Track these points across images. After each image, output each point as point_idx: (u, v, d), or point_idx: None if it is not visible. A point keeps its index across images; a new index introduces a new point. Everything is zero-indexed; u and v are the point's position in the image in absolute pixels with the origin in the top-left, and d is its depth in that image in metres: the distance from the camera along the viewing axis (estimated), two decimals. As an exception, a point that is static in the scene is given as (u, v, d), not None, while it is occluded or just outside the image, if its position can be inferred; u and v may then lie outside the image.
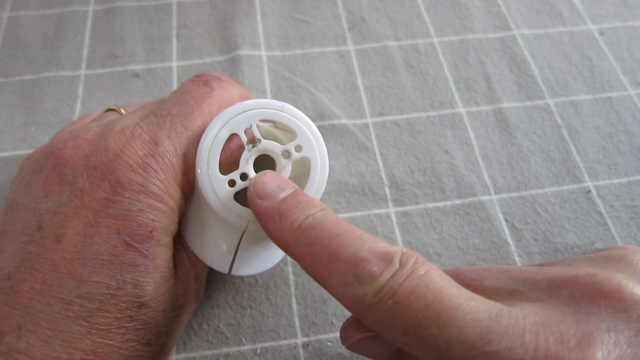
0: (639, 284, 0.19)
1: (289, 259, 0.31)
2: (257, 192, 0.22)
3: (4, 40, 0.40)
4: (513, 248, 0.32)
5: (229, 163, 0.24)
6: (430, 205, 0.33)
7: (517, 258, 0.31)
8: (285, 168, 0.24)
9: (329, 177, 0.33)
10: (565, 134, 0.36)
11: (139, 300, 0.22)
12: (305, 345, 0.28)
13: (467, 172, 0.34)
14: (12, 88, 0.38)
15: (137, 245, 0.22)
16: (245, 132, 0.24)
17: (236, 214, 0.23)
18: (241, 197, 0.23)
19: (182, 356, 0.28)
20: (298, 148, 0.24)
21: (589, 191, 0.34)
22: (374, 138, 0.36)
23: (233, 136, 0.24)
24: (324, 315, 0.29)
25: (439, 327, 0.17)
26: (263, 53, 0.40)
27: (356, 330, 0.21)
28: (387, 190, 0.34)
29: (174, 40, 0.40)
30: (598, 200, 0.34)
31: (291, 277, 0.30)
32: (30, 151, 0.34)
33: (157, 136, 0.24)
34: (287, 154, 0.24)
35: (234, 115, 0.24)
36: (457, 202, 0.33)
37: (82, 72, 0.39)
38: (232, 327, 0.28)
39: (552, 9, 0.44)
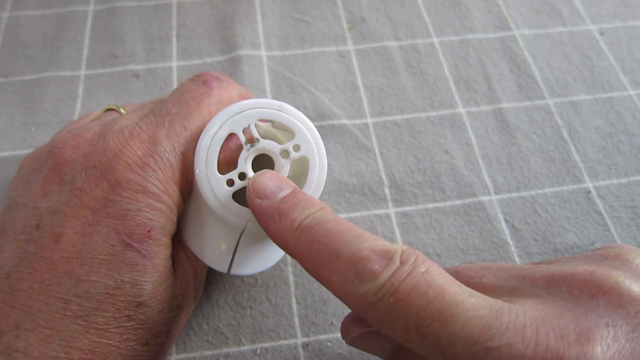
0: (635, 281, 0.19)
1: (288, 258, 0.31)
2: (257, 192, 0.22)
3: (4, 40, 0.40)
4: (513, 248, 0.32)
5: (227, 162, 0.24)
6: (430, 205, 0.33)
7: (517, 258, 0.31)
8: (284, 168, 0.24)
9: (328, 177, 0.33)
10: (565, 134, 0.36)
11: (137, 299, 0.22)
12: (305, 346, 0.28)
13: (467, 172, 0.34)
14: (12, 88, 0.38)
15: (135, 244, 0.22)
16: (244, 131, 0.24)
17: (235, 214, 0.23)
18: (240, 196, 0.23)
19: (182, 356, 0.28)
20: (296, 147, 0.24)
21: (589, 191, 0.34)
22: (373, 138, 0.36)
23: (231, 136, 0.24)
24: (323, 315, 0.29)
25: (441, 323, 0.17)
26: (263, 53, 0.40)
27: (357, 326, 0.22)
28: (387, 191, 0.34)
29: (174, 40, 0.40)
30: (598, 201, 0.34)
31: (291, 277, 0.30)
32: (30, 151, 0.34)
33: (156, 136, 0.24)
34: (285, 153, 0.24)
35: (232, 114, 0.24)
36: (457, 202, 0.33)
37: (82, 72, 0.39)
38: (232, 327, 0.28)
39: (552, 9, 0.44)
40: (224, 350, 0.28)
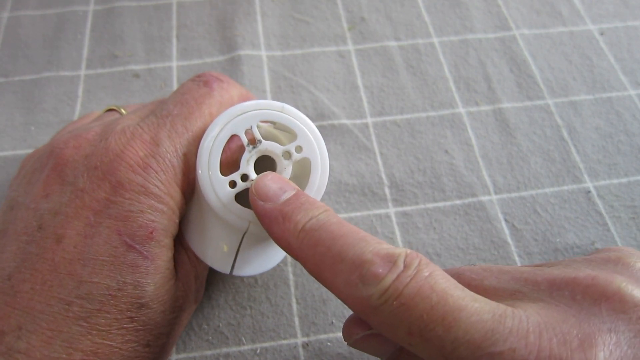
0: (638, 287, 0.19)
1: (289, 259, 0.31)
2: (259, 194, 0.22)
3: (4, 40, 0.40)
4: (513, 248, 0.32)
5: (229, 164, 0.24)
6: (430, 205, 0.33)
7: (517, 258, 0.31)
8: (286, 169, 0.24)
9: (328, 177, 0.33)
10: (565, 134, 0.36)
11: (139, 301, 0.22)
12: (305, 345, 0.28)
13: (467, 172, 0.34)
14: (12, 88, 0.38)
15: (137, 246, 0.22)
16: (246, 133, 0.24)
17: (237, 215, 0.23)
18: (242, 198, 0.23)
19: (182, 356, 0.28)
20: (298, 149, 0.24)
21: (589, 191, 0.34)
22: (373, 138, 0.36)
23: (233, 137, 0.24)
24: (323, 315, 0.29)
25: (444, 328, 0.17)
26: (263, 53, 0.40)
27: (359, 328, 0.22)
28: (387, 190, 0.34)
29: (174, 40, 0.40)
30: (598, 201, 0.34)
31: (291, 277, 0.30)
32: (30, 151, 0.34)
33: (158, 137, 0.24)
34: (287, 154, 0.24)
35: (234, 116, 0.24)
36: (457, 202, 0.33)
37: (82, 72, 0.39)
38: (232, 327, 0.28)
39: (552, 9, 0.44)
40: (224, 350, 0.28)
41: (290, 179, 0.24)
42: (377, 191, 0.33)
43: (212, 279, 0.30)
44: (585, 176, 0.35)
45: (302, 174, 0.25)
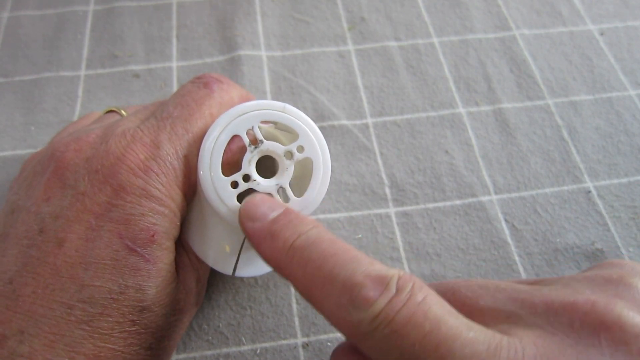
0: (639, 312, 0.18)
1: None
2: (248, 214, 0.21)
3: (4, 40, 0.40)
4: (513, 248, 0.32)
5: (231, 165, 0.24)
6: (430, 205, 0.33)
7: (517, 258, 0.31)
8: (288, 169, 0.24)
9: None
10: (565, 134, 0.37)
11: (141, 304, 0.22)
12: (305, 346, 0.28)
13: (467, 173, 0.34)
14: (12, 88, 0.38)
15: (139, 249, 0.22)
16: (247, 133, 0.24)
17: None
18: (244, 198, 0.23)
19: (183, 356, 0.28)
20: (300, 149, 0.24)
21: (589, 191, 0.34)
22: (374, 138, 0.36)
23: (235, 138, 0.24)
24: (324, 315, 0.29)
25: (437, 359, 0.17)
26: (263, 53, 0.40)
27: (350, 355, 0.21)
28: (387, 191, 0.34)
29: (174, 40, 0.40)
30: (598, 201, 0.34)
31: (292, 277, 0.30)
32: (30, 151, 0.34)
33: (158, 139, 0.24)
34: (289, 154, 0.24)
35: (235, 116, 0.24)
36: (457, 202, 0.33)
37: (82, 72, 0.39)
38: (232, 328, 0.28)
39: (552, 9, 0.44)
40: (224, 350, 0.28)
41: (292, 179, 0.24)
42: (377, 191, 0.33)
43: (212, 280, 0.30)
44: (586, 176, 0.35)
45: (304, 174, 0.25)
